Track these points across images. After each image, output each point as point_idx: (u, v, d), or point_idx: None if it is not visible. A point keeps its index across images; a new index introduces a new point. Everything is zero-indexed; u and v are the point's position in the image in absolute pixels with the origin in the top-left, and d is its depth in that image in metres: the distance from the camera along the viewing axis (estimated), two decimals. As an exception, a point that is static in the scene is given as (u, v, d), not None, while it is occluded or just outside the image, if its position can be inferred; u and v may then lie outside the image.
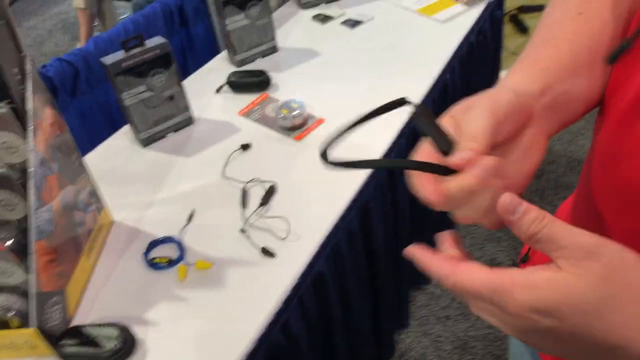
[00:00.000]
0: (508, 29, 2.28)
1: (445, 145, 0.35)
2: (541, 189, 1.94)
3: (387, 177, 1.06)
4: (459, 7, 1.45)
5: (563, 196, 1.90)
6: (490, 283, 0.31)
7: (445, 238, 0.37)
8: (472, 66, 1.44)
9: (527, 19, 2.30)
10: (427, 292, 1.63)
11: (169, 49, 1.05)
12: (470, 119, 0.35)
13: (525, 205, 0.31)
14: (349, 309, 1.01)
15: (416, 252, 0.35)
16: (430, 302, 1.61)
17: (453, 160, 0.34)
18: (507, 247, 1.75)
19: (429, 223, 1.41)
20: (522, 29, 2.33)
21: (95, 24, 2.99)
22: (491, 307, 0.32)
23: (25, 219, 0.72)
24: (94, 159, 1.09)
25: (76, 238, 0.81)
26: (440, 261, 0.34)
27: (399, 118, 1.09)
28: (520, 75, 0.42)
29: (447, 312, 1.57)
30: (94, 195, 0.89)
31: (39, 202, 0.71)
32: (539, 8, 2.26)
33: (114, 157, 1.09)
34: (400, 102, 0.38)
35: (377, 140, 1.04)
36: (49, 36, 3.60)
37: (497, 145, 0.36)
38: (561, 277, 0.29)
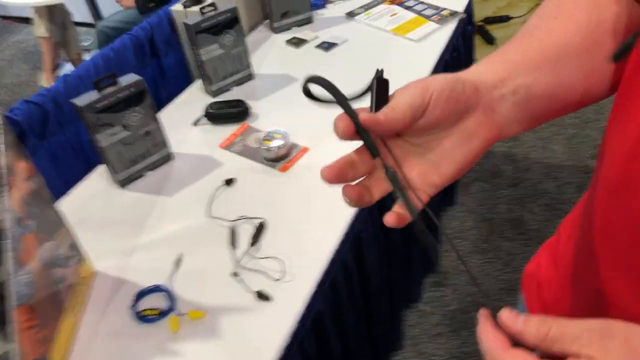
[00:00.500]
0: (475, 40, 2.32)
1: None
2: (521, 196, 1.96)
3: (377, 204, 1.04)
4: (431, 25, 1.46)
5: (542, 202, 1.93)
6: None
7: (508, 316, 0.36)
8: (449, 83, 1.45)
9: (493, 29, 2.35)
10: (418, 310, 1.62)
11: (144, 87, 1.01)
12: (400, 94, 0.38)
13: (522, 314, 0.33)
14: (348, 342, 0.99)
15: (484, 318, 0.34)
16: (421, 320, 1.59)
17: (362, 117, 0.37)
18: (493, 258, 1.75)
19: (417, 242, 1.40)
20: (489, 40, 2.38)
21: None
22: None
23: (2, 284, 0.67)
24: (69, 204, 1.04)
25: (57, 297, 0.76)
26: (498, 336, 0.33)
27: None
28: (481, 66, 0.42)
29: (438, 330, 1.56)
30: (74, 247, 0.84)
31: (17, 265, 0.66)
32: (504, 19, 2.31)
33: (91, 201, 1.04)
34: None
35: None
36: (9, 66, 3.48)
37: (431, 126, 0.38)
38: None
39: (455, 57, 1.48)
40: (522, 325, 0.32)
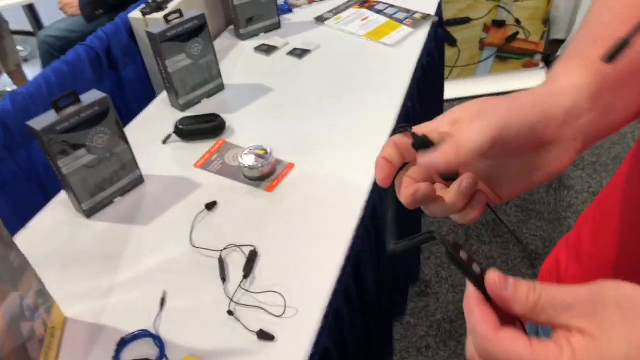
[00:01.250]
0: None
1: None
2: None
3: (372, 220, 0.98)
4: (405, 30, 1.42)
5: (515, 204, 1.94)
6: (533, 358, 0.28)
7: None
8: (426, 89, 1.42)
9: (454, 31, 2.35)
10: (404, 324, 1.57)
11: (109, 105, 0.91)
12: (468, 131, 0.34)
13: (511, 278, 0.30)
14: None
15: (473, 296, 0.31)
16: (408, 332, 1.55)
17: (425, 157, 0.35)
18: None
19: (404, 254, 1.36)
20: (452, 42, 2.38)
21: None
22: None
23: (-40, 352, 0.55)
24: (26, 240, 0.91)
25: (26, 355, 0.65)
26: (486, 315, 0.30)
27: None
28: (578, 78, 0.37)
29: (426, 342, 1.52)
30: (42, 294, 0.72)
31: (-22, 327, 0.55)
32: (465, 20, 2.32)
33: (53, 235, 0.92)
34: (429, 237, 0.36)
35: (361, 174, 0.96)
36: (-64, 81, 3.18)
37: (497, 158, 0.37)
38: (602, 346, 0.27)
39: (430, 61, 1.45)
40: (512, 290, 0.29)
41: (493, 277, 0.30)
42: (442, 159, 0.34)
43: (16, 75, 2.75)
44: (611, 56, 0.34)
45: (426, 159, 0.34)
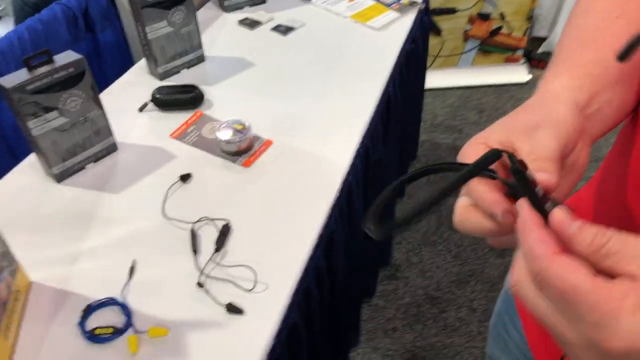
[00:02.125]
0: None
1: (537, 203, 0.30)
2: (466, 188, 2.00)
3: (347, 202, 0.98)
4: (391, 14, 1.41)
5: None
6: (591, 293, 0.25)
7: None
8: (409, 76, 1.42)
9: (440, 21, 2.36)
10: (372, 305, 1.60)
11: (85, 67, 0.88)
12: (538, 145, 0.33)
13: (579, 220, 0.28)
14: (317, 349, 0.93)
15: (528, 210, 0.29)
16: (375, 314, 1.57)
17: (540, 177, 0.31)
18: (443, 250, 1.77)
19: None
20: (436, 31, 2.38)
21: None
22: (573, 321, 0.26)
23: None
24: (-7, 202, 0.89)
25: (-12, 318, 0.64)
26: (545, 237, 0.28)
27: (356, 136, 1.02)
28: (568, 81, 0.39)
29: (393, 324, 1.55)
30: (6, 256, 0.71)
31: (-63, 286, 0.54)
32: (451, 11, 2.32)
33: (20, 198, 0.90)
34: (495, 155, 0.32)
35: (338, 156, 0.96)
36: None
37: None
38: None
39: (414, 48, 1.45)
40: (576, 229, 0.27)
41: (559, 213, 0.28)
42: (554, 177, 0.31)
43: (-13, 32, 2.64)
44: (624, 54, 0.34)
45: (544, 180, 0.31)
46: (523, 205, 0.29)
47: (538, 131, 0.33)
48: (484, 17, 2.34)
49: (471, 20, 2.36)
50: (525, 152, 0.33)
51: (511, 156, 0.31)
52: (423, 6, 1.47)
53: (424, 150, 2.14)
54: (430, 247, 1.78)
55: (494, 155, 0.32)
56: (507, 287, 0.68)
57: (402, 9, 1.43)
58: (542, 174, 0.31)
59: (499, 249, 1.78)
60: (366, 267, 1.41)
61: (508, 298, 0.67)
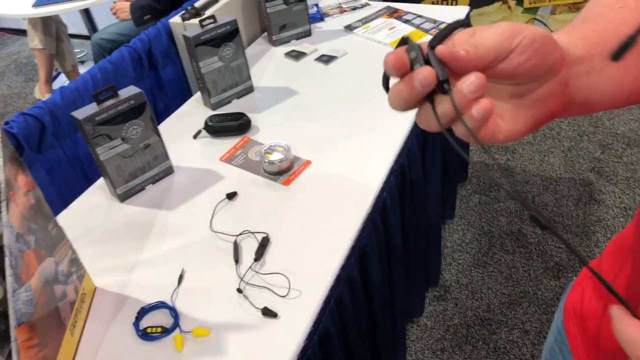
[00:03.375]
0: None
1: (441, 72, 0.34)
2: (519, 209, 1.96)
3: (381, 217, 1.03)
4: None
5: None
6: None
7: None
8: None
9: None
10: (420, 325, 1.60)
11: (144, 99, 1.00)
12: (484, 31, 0.34)
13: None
14: (352, 359, 0.97)
15: (619, 311, 0.32)
16: (424, 334, 1.57)
17: (440, 49, 0.33)
18: (494, 272, 1.74)
19: (420, 253, 1.39)
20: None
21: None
22: None
23: (2, 302, 0.64)
24: (67, 218, 1.02)
25: (58, 315, 0.74)
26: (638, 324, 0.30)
27: (399, 139, 1.07)
28: (563, 36, 0.38)
29: (441, 344, 1.54)
30: (75, 263, 0.82)
31: (17, 282, 0.64)
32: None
33: (90, 215, 1.02)
34: (460, 24, 0.36)
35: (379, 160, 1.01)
36: (1, 78, 3.45)
37: (507, 75, 0.35)
38: None
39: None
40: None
41: (442, 47, 0.32)
42: (461, 50, 0.33)
43: (72, 75, 2.95)
44: (618, 53, 0.35)
45: (444, 48, 0.33)
46: (615, 310, 0.32)
47: (496, 25, 0.34)
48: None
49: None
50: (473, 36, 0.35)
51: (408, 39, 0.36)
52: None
53: (475, 171, 2.13)
54: (480, 268, 1.76)
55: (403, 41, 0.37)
56: (558, 323, 0.64)
57: (442, 34, 1.48)
58: (443, 48, 0.33)
59: (554, 271, 1.73)
60: (411, 285, 1.42)
61: (560, 334, 0.65)
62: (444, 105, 0.34)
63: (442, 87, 0.34)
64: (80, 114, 0.94)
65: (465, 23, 0.36)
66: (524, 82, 0.36)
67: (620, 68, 0.39)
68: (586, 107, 0.40)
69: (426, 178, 1.32)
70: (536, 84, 0.36)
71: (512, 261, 1.77)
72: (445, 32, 0.36)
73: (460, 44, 0.34)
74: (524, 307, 1.61)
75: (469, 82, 0.33)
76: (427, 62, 0.34)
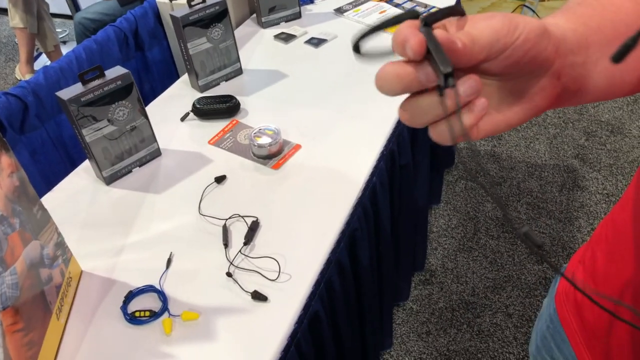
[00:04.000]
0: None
1: (444, 63, 0.31)
2: (505, 195, 1.98)
3: (371, 202, 1.03)
4: (421, 23, 1.45)
5: (526, 201, 1.95)
6: None
7: None
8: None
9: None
10: (406, 309, 1.62)
11: (131, 80, 0.98)
12: (483, 23, 0.32)
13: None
14: (342, 342, 0.97)
15: None
16: (410, 318, 1.59)
17: (441, 34, 0.31)
18: (479, 256, 1.76)
19: (408, 237, 1.40)
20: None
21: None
22: None
23: (-14, 286, 0.63)
24: (52, 201, 1.00)
25: (44, 299, 0.73)
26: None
27: (381, 139, 1.06)
28: (562, 20, 0.37)
29: (426, 327, 1.56)
30: (61, 246, 0.80)
31: (2, 265, 0.63)
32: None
33: (76, 198, 1.01)
34: (412, 15, 0.35)
35: (360, 160, 1.01)
36: (-20, 58, 3.36)
37: (499, 71, 0.34)
38: None
39: (444, 55, 1.48)
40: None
41: (442, 31, 0.31)
42: (458, 41, 0.31)
43: (54, 55, 2.88)
44: (619, 55, 0.34)
45: (445, 36, 0.31)
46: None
47: (489, 16, 0.33)
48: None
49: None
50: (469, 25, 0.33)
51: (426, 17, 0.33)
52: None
53: (462, 157, 2.14)
54: (466, 253, 1.78)
55: (410, 13, 0.34)
56: (550, 310, 0.65)
57: (432, 18, 1.47)
58: (445, 32, 0.31)
59: (537, 257, 1.76)
60: (398, 270, 1.43)
61: (553, 322, 0.64)
62: (431, 100, 0.33)
63: (446, 81, 0.32)
64: (65, 94, 0.92)
65: (461, 12, 0.35)
66: (512, 79, 0.35)
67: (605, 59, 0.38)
68: (579, 97, 0.39)
69: (414, 163, 1.32)
70: (525, 80, 0.35)
71: (496, 246, 1.79)
72: (441, 15, 0.34)
73: (453, 31, 0.33)
74: (508, 291, 1.64)
75: (466, 86, 0.32)
76: (427, 50, 0.32)
